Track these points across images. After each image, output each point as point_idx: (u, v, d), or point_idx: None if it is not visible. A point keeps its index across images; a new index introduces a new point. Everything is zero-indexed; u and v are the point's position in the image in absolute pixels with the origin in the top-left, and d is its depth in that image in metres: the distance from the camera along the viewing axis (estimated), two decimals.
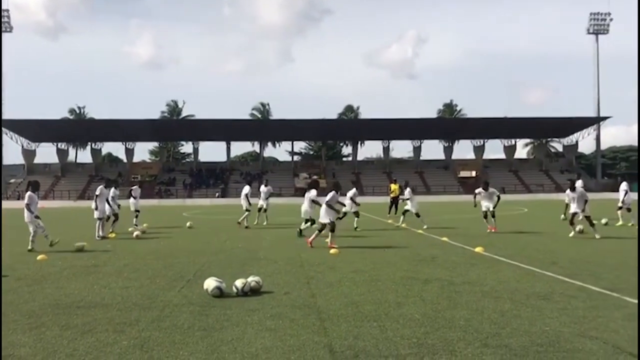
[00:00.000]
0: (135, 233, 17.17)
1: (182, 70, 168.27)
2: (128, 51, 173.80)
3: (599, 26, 76.89)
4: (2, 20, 71.61)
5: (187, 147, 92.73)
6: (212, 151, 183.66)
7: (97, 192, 16.97)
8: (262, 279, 8.40)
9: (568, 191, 16.44)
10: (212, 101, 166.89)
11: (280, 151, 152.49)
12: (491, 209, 17.81)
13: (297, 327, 5.98)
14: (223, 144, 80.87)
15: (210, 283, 7.72)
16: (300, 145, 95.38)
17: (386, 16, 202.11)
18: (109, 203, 17.73)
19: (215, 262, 11.20)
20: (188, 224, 22.13)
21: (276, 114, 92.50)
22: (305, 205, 16.16)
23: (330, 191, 14.30)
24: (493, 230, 17.36)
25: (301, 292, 7.92)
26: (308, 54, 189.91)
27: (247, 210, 20.91)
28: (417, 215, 19.34)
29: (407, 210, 19.93)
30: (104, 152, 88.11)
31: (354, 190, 20.24)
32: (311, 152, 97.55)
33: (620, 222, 19.54)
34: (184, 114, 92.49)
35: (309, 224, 16.58)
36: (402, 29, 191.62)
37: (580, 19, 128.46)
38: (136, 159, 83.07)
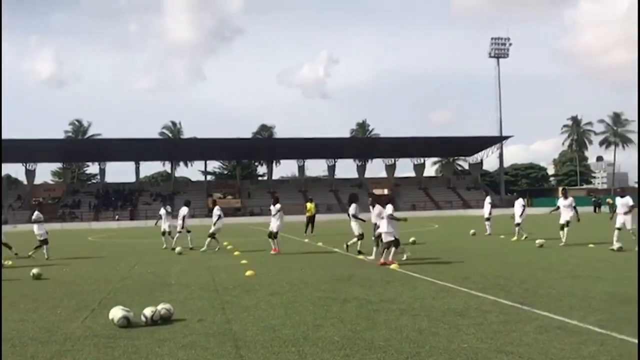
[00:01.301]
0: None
1: (87, 87, 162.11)
2: (28, 68, 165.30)
3: (499, 50, 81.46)
4: None
5: (93, 168, 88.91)
6: (120, 172, 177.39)
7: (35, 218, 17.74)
8: (174, 305, 7.96)
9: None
10: (120, 120, 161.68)
11: (192, 171, 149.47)
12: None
13: (212, 357, 5.65)
14: (132, 164, 78.13)
15: (116, 312, 7.20)
16: (213, 165, 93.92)
17: (297, 37, 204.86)
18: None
19: (123, 289, 10.56)
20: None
21: (188, 133, 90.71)
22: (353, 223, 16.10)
23: (351, 204, 15.82)
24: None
25: (215, 318, 7.56)
26: (220, 72, 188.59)
27: (182, 231, 19.94)
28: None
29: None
30: (2, 173, 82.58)
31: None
32: (225, 172, 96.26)
33: (522, 237, 20.38)
34: (89, 133, 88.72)
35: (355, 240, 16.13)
36: (314, 49, 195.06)
37: (482, 43, 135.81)
38: (38, 180, 78.48)
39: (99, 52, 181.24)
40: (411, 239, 19.16)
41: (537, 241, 16.44)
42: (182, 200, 26.38)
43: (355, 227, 16.10)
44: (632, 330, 6.17)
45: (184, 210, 20.45)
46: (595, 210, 58.13)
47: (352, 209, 16.31)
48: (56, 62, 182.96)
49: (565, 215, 18.02)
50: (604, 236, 20.62)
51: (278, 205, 17.58)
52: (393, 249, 13.43)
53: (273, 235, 17.41)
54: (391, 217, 13.29)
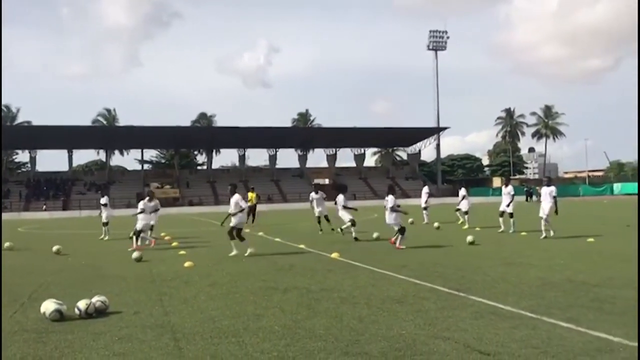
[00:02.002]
0: None
1: (15, 73, 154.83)
2: None
3: (437, 43, 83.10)
4: None
5: (23, 156, 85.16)
6: (52, 160, 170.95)
7: None
8: (110, 298, 7.73)
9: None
10: (52, 106, 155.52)
11: (129, 159, 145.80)
12: (325, 213, 19.34)
13: (149, 349, 5.51)
14: (64, 152, 75.33)
15: (48, 306, 6.92)
16: (150, 154, 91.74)
17: (238, 23, 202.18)
18: None
19: (56, 282, 10.17)
20: (6, 244, 17.32)
21: (124, 121, 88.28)
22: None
23: (339, 194, 17.00)
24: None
25: (153, 310, 7.39)
26: (157, 58, 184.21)
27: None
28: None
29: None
30: None
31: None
32: (163, 161, 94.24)
33: (461, 222, 21.04)
34: (19, 120, 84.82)
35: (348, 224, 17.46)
36: (255, 37, 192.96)
37: (420, 36, 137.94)
38: None
39: (28, 36, 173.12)
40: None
41: (468, 238, 15.24)
42: (118, 190, 25.63)
43: (345, 215, 17.77)
44: (560, 315, 6.45)
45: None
46: (527, 200, 60.42)
47: (341, 199, 17.69)
48: None
49: (505, 202, 18.69)
50: (535, 225, 21.49)
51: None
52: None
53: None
54: (344, 207, 14.34)
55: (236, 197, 13.48)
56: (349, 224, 17.50)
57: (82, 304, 7.02)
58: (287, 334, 5.95)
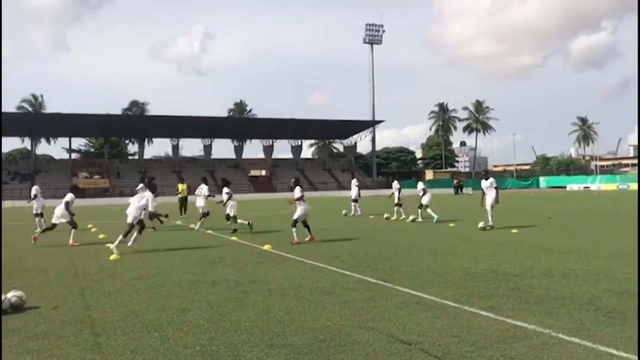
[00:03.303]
0: None
1: None
2: None
3: (373, 37, 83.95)
4: None
5: None
6: None
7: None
8: (28, 292, 7.41)
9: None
10: None
11: (56, 148, 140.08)
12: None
13: (66, 346, 5.31)
14: None
15: None
16: (79, 142, 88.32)
17: (172, 8, 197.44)
18: None
19: None
20: None
21: (51, 107, 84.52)
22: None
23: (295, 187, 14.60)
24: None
25: (74, 304, 7.12)
26: (86, 42, 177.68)
27: (206, 214, 18.78)
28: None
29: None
30: None
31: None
32: (92, 150, 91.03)
33: (395, 217, 21.35)
34: None
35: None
36: (189, 22, 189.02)
37: (357, 29, 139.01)
38: None
39: None
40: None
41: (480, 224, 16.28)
42: (45, 179, 24.57)
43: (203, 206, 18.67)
44: (481, 304, 6.67)
45: (204, 189, 19.53)
46: (456, 192, 62.21)
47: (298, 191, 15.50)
48: None
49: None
50: (463, 216, 22.17)
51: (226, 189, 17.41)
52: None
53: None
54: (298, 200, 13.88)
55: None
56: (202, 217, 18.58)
57: None
58: (212, 328, 5.88)
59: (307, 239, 13.94)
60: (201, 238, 15.85)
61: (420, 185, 21.81)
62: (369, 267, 9.64)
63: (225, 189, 17.33)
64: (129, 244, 12.47)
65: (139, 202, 12.82)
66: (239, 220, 16.96)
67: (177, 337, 5.56)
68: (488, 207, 16.56)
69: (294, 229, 13.96)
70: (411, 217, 20.39)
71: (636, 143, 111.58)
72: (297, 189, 14.27)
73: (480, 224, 16.30)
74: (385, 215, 21.70)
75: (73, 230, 14.50)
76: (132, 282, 8.72)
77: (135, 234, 12.69)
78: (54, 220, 14.37)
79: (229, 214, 17.12)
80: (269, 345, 5.22)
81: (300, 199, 14.07)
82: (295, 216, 13.99)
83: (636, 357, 4.69)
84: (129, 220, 12.60)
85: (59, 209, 14.35)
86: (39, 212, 19.15)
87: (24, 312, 6.75)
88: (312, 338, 5.44)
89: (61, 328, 5.96)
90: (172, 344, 5.31)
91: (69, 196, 14.64)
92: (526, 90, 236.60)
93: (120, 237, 12.21)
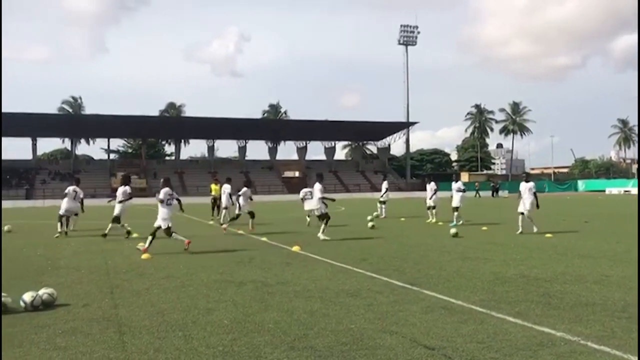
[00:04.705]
0: None
1: None
2: None
3: (408, 38, 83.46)
4: None
5: None
6: (15, 148, 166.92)
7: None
8: (60, 290, 7.59)
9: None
10: (13, 93, 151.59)
11: (95, 149, 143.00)
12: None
13: (92, 343, 5.40)
14: (28, 141, 73.58)
15: None
16: (117, 143, 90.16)
17: (207, 10, 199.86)
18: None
19: (6, 273, 9.89)
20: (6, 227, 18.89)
21: (90, 109, 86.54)
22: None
23: (316, 183, 15.52)
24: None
25: (102, 303, 7.25)
26: (124, 45, 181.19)
27: (225, 208, 21.00)
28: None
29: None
30: None
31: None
32: (130, 151, 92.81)
33: (432, 220, 21.12)
34: None
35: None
36: (224, 24, 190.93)
37: (392, 30, 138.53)
38: None
39: None
40: None
41: (452, 231, 15.68)
42: (84, 179, 24.86)
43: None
44: (509, 310, 6.53)
45: (227, 187, 21.28)
46: (493, 195, 61.30)
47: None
48: None
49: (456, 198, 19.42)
50: (498, 219, 21.82)
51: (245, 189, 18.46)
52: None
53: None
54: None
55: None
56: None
57: (27, 297, 6.85)
58: (235, 328, 5.90)
59: None
60: (232, 238, 15.97)
61: (432, 185, 21.71)
62: (397, 270, 9.55)
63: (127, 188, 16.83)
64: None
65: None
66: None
67: (201, 337, 5.60)
68: (526, 212, 16.06)
69: None
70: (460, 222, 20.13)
71: None
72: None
73: (519, 231, 15.82)
74: (430, 220, 21.26)
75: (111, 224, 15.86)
76: (161, 281, 8.83)
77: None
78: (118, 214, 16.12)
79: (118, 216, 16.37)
80: (290, 347, 5.21)
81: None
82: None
83: None
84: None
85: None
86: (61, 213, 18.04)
87: (54, 309, 6.90)
88: (334, 341, 5.40)
89: (89, 326, 6.06)
90: (195, 344, 5.35)
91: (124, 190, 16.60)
92: (564, 91, 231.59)
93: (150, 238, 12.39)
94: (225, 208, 20.98)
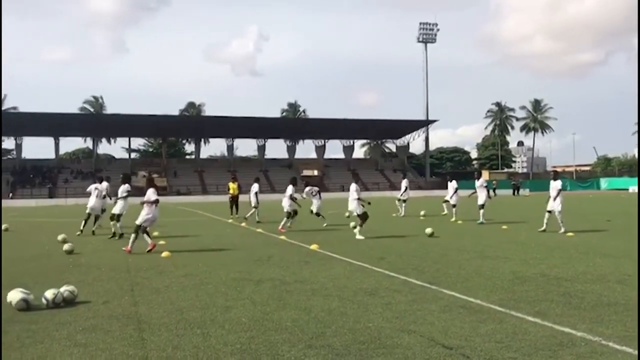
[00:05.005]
0: None
1: None
2: None
3: (427, 35, 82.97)
4: None
5: (8, 143, 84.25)
6: (38, 147, 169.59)
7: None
8: (81, 287, 7.70)
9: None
10: (36, 93, 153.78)
11: (116, 148, 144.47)
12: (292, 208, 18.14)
13: (112, 340, 5.46)
14: (51, 140, 74.66)
15: (14, 295, 6.84)
16: (138, 142, 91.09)
17: (226, 9, 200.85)
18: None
19: (28, 271, 10.07)
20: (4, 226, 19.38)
21: (111, 108, 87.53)
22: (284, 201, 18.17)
23: (289, 185, 18.07)
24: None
25: (122, 300, 7.33)
26: (144, 45, 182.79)
27: (255, 207, 21.68)
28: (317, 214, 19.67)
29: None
30: None
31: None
32: (151, 149, 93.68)
33: (445, 212, 21.11)
34: (5, 106, 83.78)
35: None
36: (244, 23, 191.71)
37: (411, 27, 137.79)
38: None
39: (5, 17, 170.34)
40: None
41: (427, 230, 15.37)
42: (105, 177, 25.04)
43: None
44: (528, 309, 6.46)
45: (255, 187, 22.04)
46: (514, 193, 60.70)
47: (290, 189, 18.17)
48: None
49: (480, 196, 19.23)
50: (519, 218, 21.62)
51: (291, 189, 18.43)
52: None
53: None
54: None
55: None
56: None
57: (49, 294, 6.95)
58: (253, 326, 5.92)
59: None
60: (251, 237, 16.05)
61: (453, 184, 21.69)
62: (415, 269, 9.51)
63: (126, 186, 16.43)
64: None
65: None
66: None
67: (219, 334, 5.63)
68: (555, 209, 15.84)
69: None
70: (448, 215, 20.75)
71: None
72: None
73: (561, 230, 15.47)
74: (452, 219, 21.14)
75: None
76: (181, 279, 8.90)
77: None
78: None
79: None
80: (307, 346, 5.21)
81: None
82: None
83: None
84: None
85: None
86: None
87: (75, 306, 6.99)
88: (351, 339, 5.40)
89: (109, 323, 6.13)
90: (213, 342, 5.38)
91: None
92: (586, 88, 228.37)
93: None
94: (255, 207, 21.65)
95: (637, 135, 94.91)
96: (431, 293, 7.54)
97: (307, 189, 20.14)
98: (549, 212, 16.00)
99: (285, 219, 17.64)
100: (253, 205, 21.71)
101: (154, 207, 12.46)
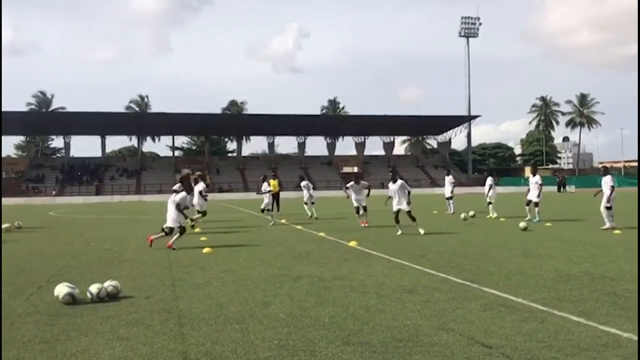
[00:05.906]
0: None
1: (46, 57, 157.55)
2: None
3: (469, 30, 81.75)
4: None
5: (57, 142, 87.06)
6: (86, 146, 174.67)
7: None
8: (124, 282, 7.88)
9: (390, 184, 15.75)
10: (83, 92, 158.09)
11: (160, 146, 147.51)
12: (363, 203, 18.04)
13: (153, 334, 5.57)
14: (98, 138, 76.73)
15: (61, 289, 7.06)
16: (181, 140, 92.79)
17: (267, 7, 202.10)
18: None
19: (75, 266, 10.38)
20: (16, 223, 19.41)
21: (155, 107, 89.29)
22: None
23: (350, 181, 18.51)
24: (365, 225, 17.64)
25: (164, 295, 7.47)
26: (187, 44, 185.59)
27: (311, 203, 22.77)
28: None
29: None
30: None
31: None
32: (194, 147, 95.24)
33: (494, 215, 20.62)
34: (53, 106, 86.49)
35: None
36: (284, 21, 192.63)
37: (452, 22, 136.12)
38: None
39: (50, 19, 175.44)
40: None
41: (520, 224, 15.75)
42: (150, 176, 25.77)
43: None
44: (572, 308, 6.30)
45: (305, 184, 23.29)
46: (559, 190, 59.25)
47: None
48: (12, 29, 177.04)
49: (533, 192, 18.66)
50: (564, 215, 21.10)
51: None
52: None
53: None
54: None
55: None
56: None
57: (94, 288, 7.14)
58: (291, 322, 5.95)
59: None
60: (290, 233, 16.13)
61: (489, 180, 21.23)
62: (456, 267, 9.38)
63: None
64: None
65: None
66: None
67: (257, 330, 5.68)
68: (602, 207, 15.48)
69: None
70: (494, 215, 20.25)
71: None
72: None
73: (606, 225, 15.17)
74: (488, 216, 20.81)
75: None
76: (221, 274, 9.02)
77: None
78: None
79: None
80: (345, 342, 5.21)
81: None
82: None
83: None
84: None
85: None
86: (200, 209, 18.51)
87: (118, 300, 7.16)
88: (389, 337, 5.37)
89: (150, 317, 6.26)
90: (252, 337, 5.43)
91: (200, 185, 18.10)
92: (634, 81, 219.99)
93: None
94: (309, 203, 22.84)
95: (638, 135, 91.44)
96: (471, 291, 7.43)
97: (303, 183, 23.15)
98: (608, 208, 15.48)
99: (415, 222, 15.46)
100: (310, 202, 22.81)
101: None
